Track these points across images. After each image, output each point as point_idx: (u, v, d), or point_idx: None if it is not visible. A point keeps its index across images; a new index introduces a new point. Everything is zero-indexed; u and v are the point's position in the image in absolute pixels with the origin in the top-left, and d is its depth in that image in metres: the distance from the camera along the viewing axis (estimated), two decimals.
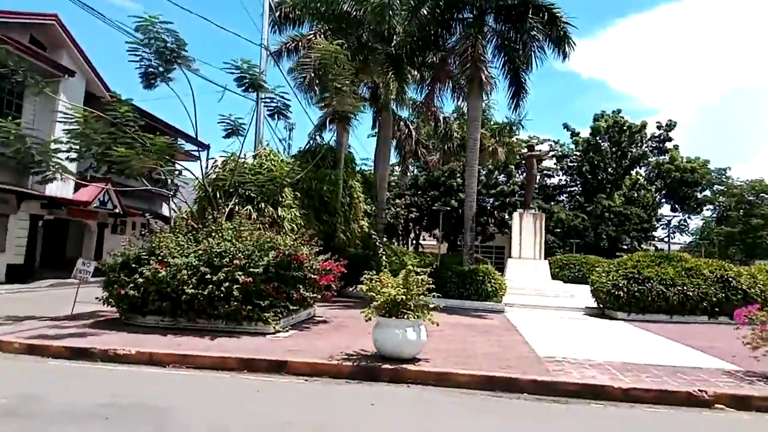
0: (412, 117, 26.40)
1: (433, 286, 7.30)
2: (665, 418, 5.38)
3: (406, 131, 26.56)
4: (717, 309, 12.77)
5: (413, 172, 45.83)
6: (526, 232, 22.28)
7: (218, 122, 12.09)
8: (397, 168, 35.48)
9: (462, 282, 14.46)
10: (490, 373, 6.40)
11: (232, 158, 13.01)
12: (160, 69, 10.19)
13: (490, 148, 30.02)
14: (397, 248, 28.71)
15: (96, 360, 6.89)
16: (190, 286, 8.38)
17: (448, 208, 35.56)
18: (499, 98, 33.79)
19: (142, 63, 10.25)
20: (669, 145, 44.17)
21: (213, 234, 9.57)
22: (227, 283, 8.33)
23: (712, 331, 11.31)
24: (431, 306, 7.24)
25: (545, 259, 22.76)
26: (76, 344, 7.29)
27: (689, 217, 45.52)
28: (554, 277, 26.11)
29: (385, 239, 33.63)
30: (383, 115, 21.12)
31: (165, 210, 23.94)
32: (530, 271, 20.93)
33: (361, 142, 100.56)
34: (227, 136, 12.36)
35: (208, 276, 8.43)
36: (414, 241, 43.48)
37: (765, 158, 74.80)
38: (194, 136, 11.73)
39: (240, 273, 8.46)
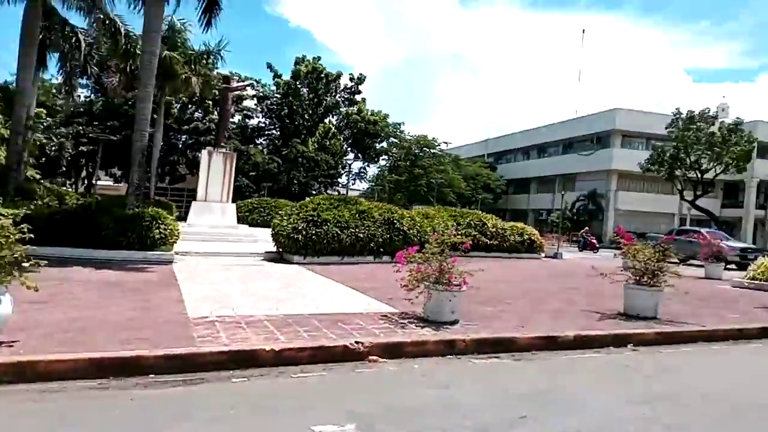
0: (92, 30, 20.75)
1: (29, 235, 5.07)
2: (312, 385, 4.58)
3: (74, 39, 20.95)
4: (382, 249, 13.55)
5: (90, 97, 38.50)
6: (215, 172, 20.40)
7: None
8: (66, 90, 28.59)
9: (122, 229, 11.81)
10: (102, 354, 4.64)
11: None
12: None
13: (183, 77, 26.75)
14: (54, 188, 23.42)
15: None
16: None
17: (114, 138, 30.48)
18: (194, 19, 30.03)
19: None
20: (358, 97, 47.83)
21: None
22: None
23: (377, 271, 11.81)
24: (27, 264, 5.02)
25: (234, 202, 21.46)
26: None
27: (368, 165, 50.89)
28: (244, 220, 25.25)
29: (38, 176, 26.89)
30: (27, 5, 16.00)
31: None
32: (216, 215, 19.32)
33: None
34: None
35: None
36: (86, 180, 36.77)
37: (435, 121, 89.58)
38: None
39: None
